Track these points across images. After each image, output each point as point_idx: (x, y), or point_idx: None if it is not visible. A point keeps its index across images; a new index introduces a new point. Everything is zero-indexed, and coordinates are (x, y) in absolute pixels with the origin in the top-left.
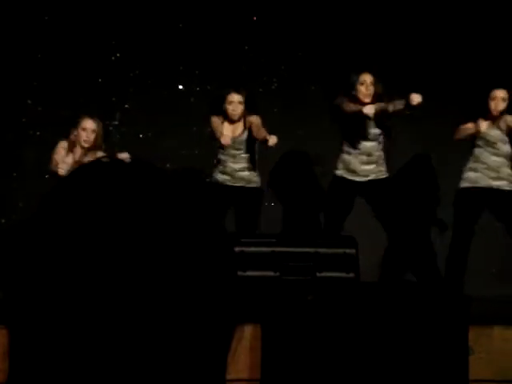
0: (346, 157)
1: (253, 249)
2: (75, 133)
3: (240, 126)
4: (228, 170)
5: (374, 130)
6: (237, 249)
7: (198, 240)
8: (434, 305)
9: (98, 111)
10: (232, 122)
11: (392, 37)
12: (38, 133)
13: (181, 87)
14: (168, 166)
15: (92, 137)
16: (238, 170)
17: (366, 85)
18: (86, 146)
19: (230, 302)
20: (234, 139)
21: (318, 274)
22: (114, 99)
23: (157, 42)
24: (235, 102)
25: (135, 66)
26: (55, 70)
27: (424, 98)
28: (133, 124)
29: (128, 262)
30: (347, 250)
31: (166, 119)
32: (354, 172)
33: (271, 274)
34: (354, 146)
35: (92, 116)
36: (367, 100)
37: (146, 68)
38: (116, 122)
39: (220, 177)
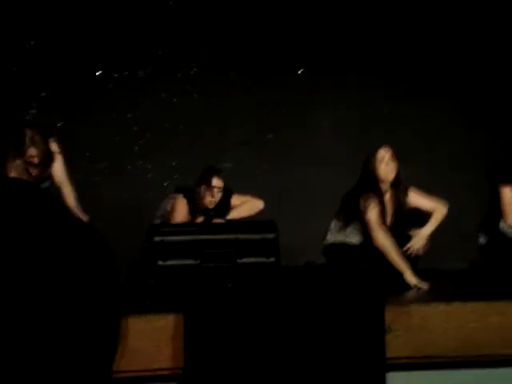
0: None
1: (172, 238)
2: None
3: None
4: None
5: None
6: (156, 238)
7: (70, 242)
8: (350, 286)
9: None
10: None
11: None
12: None
13: (98, 73)
14: (87, 154)
15: None
16: None
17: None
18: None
19: (109, 299)
20: None
21: (238, 261)
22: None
23: (74, 27)
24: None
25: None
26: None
27: None
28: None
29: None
30: (267, 235)
31: (84, 107)
32: None
33: (192, 262)
34: None
35: None
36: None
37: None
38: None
39: None
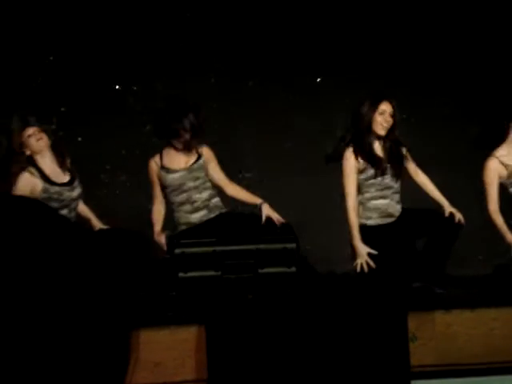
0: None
1: (193, 249)
2: None
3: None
4: (199, 204)
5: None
6: (177, 250)
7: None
8: (373, 294)
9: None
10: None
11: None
12: None
13: (117, 87)
14: (108, 167)
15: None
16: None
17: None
18: None
19: (116, 311)
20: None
21: (259, 271)
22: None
23: (91, 41)
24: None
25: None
26: None
27: None
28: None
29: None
30: (288, 245)
31: (104, 120)
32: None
33: (213, 273)
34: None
35: None
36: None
37: (83, 68)
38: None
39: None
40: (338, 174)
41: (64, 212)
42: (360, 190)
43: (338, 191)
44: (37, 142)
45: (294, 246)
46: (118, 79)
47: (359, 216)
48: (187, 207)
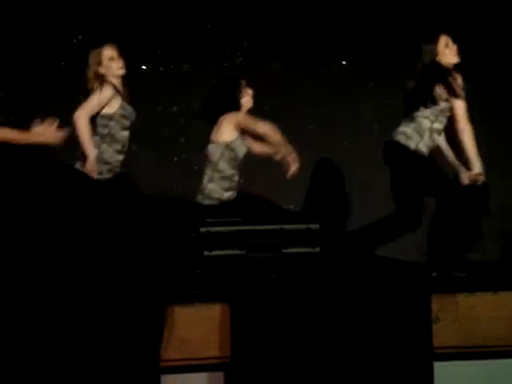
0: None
1: (218, 228)
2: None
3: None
4: (234, 184)
5: None
6: (202, 229)
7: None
8: (396, 276)
9: (63, 96)
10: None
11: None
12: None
13: (144, 67)
14: (134, 147)
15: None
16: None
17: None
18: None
19: (151, 288)
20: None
21: (283, 251)
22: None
23: (118, 22)
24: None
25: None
26: (17, 56)
27: None
28: None
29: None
30: (312, 226)
31: (131, 101)
32: None
33: (237, 252)
34: None
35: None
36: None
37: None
38: None
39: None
40: (360, 156)
41: (127, 133)
42: (433, 118)
43: (362, 172)
44: (118, 69)
45: (317, 226)
46: (144, 59)
47: (427, 142)
48: (226, 183)
